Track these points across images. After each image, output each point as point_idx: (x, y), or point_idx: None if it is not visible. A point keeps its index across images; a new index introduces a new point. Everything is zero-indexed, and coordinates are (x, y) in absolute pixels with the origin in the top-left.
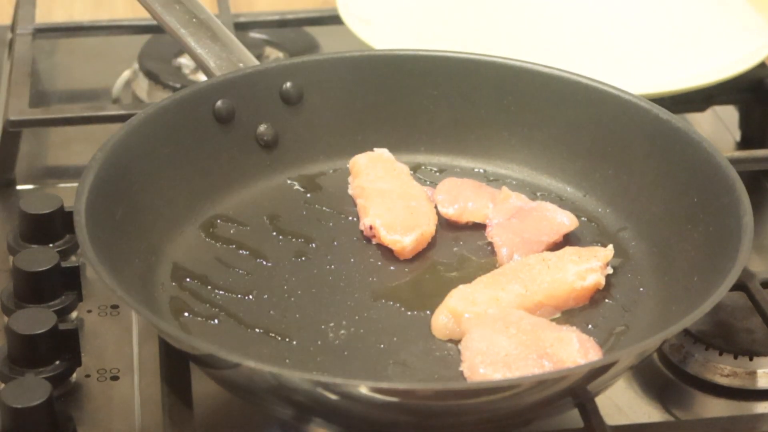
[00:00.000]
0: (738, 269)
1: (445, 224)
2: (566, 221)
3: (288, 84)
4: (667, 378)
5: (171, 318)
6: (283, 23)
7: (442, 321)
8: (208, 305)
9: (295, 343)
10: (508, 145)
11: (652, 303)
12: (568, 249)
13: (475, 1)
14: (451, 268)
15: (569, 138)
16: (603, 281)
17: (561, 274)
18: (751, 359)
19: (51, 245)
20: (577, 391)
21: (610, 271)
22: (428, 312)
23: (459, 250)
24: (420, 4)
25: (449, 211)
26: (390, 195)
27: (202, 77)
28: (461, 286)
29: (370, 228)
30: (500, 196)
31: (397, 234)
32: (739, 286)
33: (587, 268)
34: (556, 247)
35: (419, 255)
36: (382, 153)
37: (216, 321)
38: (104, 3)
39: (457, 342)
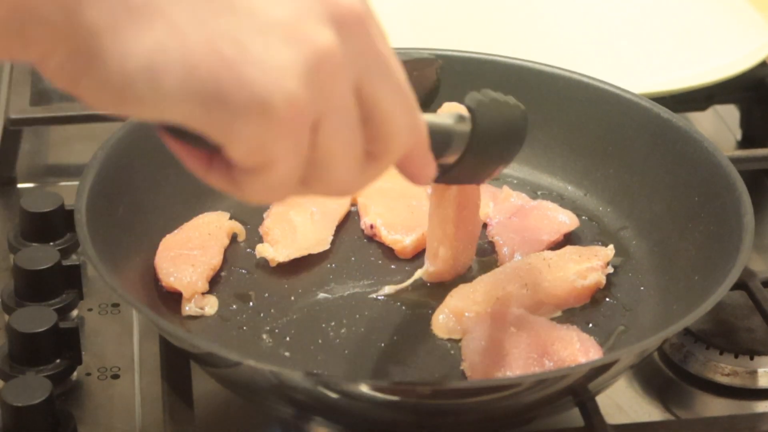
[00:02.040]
0: (739, 268)
1: None
2: (567, 220)
3: None
4: (667, 377)
5: (172, 316)
6: None
7: (442, 320)
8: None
9: (295, 341)
10: None
11: (652, 302)
12: (568, 248)
13: (476, 1)
14: None
15: (570, 137)
16: (604, 280)
17: (562, 273)
18: (751, 358)
19: (52, 243)
20: (578, 390)
21: (610, 270)
22: (429, 311)
23: None
24: (420, 4)
25: None
26: (391, 194)
27: None
28: (462, 285)
29: (371, 227)
30: (501, 195)
31: (398, 234)
32: (740, 285)
33: (588, 267)
34: (556, 246)
35: (420, 254)
36: None
37: (216, 319)
38: None
39: (457, 341)
